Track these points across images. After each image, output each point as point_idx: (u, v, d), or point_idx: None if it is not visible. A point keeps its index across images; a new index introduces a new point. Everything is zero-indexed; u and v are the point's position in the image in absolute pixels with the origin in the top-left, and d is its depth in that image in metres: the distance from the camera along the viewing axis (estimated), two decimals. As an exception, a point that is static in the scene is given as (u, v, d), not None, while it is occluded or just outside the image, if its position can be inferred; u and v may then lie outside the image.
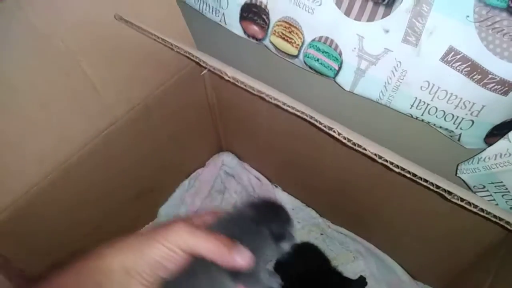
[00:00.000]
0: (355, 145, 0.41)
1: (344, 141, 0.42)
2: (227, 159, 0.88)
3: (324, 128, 0.43)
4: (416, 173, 0.38)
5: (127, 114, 0.64)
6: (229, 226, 0.40)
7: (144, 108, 0.65)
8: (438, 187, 0.38)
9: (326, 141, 0.54)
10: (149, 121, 0.67)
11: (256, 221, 0.41)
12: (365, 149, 0.41)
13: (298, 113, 0.46)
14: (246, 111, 0.72)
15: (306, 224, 0.82)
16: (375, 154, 0.40)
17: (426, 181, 0.38)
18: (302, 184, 0.78)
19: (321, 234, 0.81)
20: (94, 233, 0.69)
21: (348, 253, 0.79)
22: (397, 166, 0.39)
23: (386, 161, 0.39)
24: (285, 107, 0.46)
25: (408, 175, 0.39)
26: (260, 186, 0.86)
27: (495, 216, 0.36)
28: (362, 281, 0.75)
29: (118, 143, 0.64)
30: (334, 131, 0.43)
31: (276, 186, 0.85)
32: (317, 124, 0.43)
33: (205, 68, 0.49)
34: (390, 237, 0.71)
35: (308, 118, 0.44)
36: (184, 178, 0.84)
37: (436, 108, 0.50)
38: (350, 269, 0.77)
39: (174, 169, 0.80)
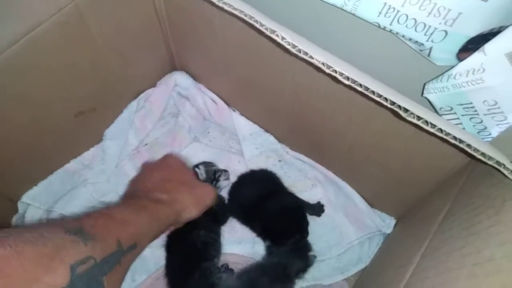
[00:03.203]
0: (300, 51, 0.34)
1: (288, 47, 0.35)
2: (180, 79, 0.79)
3: (265, 31, 0.36)
4: (368, 86, 0.32)
5: (53, 17, 0.54)
6: None
7: (74, 10, 0.55)
8: (393, 103, 0.33)
9: (283, 57, 0.47)
10: (82, 27, 0.58)
11: None
12: (312, 57, 0.34)
13: (242, 15, 0.38)
14: (198, 21, 0.63)
15: (264, 150, 0.77)
16: (323, 64, 0.33)
17: (379, 95, 0.32)
18: (260, 107, 0.72)
19: (279, 160, 0.77)
20: (25, 153, 0.62)
21: (306, 180, 0.75)
22: (347, 78, 0.33)
23: (335, 71, 0.33)
24: (230, 9, 0.39)
25: (359, 88, 0.33)
26: (217, 110, 0.79)
27: (454, 138, 0.31)
28: (319, 206, 0.73)
29: (45, 51, 0.55)
30: (277, 35, 0.35)
31: (234, 110, 0.78)
32: (258, 26, 0.36)
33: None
34: (349, 164, 0.67)
35: (248, 19, 0.36)
36: (132, 99, 0.76)
37: (407, 16, 0.44)
38: (308, 196, 0.74)
39: (120, 87, 0.72)
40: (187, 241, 0.62)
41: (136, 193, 0.56)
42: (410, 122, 0.33)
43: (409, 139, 0.47)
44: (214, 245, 0.65)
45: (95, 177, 0.74)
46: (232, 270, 0.65)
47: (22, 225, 0.35)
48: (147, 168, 0.66)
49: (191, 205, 0.58)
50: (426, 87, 0.49)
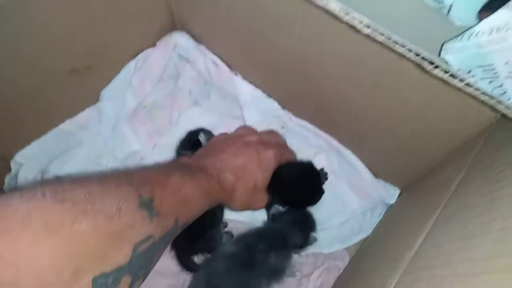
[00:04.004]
0: (316, -4, 0.31)
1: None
2: (181, 40, 0.76)
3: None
4: (389, 36, 0.29)
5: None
6: None
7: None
8: (417, 54, 0.30)
9: (294, 8, 0.44)
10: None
11: None
12: (328, 3, 0.31)
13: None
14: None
15: (267, 116, 0.74)
16: (341, 10, 0.30)
17: (403, 45, 0.30)
18: (265, 70, 0.69)
19: (282, 127, 0.74)
20: (18, 110, 0.60)
21: (309, 147, 0.73)
22: (368, 26, 0.30)
23: (354, 18, 0.30)
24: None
25: (380, 38, 0.30)
26: (218, 73, 0.76)
27: (484, 94, 0.29)
28: (323, 174, 0.71)
29: (37, 3, 0.51)
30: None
31: (236, 74, 0.75)
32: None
33: None
34: (355, 131, 0.65)
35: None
36: (130, 59, 0.73)
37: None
38: (310, 165, 0.72)
39: (117, 45, 0.68)
40: None
41: (205, 165, 0.52)
42: (433, 78, 0.30)
43: (424, 102, 0.45)
44: (220, 210, 0.64)
45: (91, 138, 0.71)
46: (231, 233, 0.64)
47: (102, 179, 0.33)
48: (221, 141, 0.63)
49: (249, 200, 0.56)
50: (444, 47, 0.46)
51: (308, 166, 0.65)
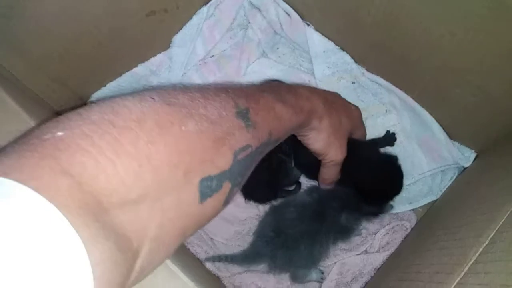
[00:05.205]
0: None
1: None
2: (253, -13, 0.74)
3: None
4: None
5: None
6: None
7: None
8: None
9: None
10: None
11: None
12: None
13: None
14: None
15: (337, 70, 0.72)
16: None
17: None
18: (341, 18, 0.66)
19: (353, 82, 0.72)
20: (97, 50, 0.61)
21: (380, 105, 0.70)
22: None
23: None
24: None
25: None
26: (290, 23, 0.73)
27: None
28: (391, 136, 0.68)
29: None
30: None
31: (308, 24, 0.73)
32: None
33: None
34: (436, 87, 0.61)
35: None
36: (202, 4, 0.72)
37: None
38: (380, 123, 0.70)
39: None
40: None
41: (296, 87, 0.51)
42: None
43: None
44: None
45: (161, 85, 0.72)
46: (300, 183, 0.64)
47: (202, 88, 0.35)
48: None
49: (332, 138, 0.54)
50: None
51: (394, 166, 0.62)
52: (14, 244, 0.19)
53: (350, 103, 0.62)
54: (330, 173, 0.58)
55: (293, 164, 0.65)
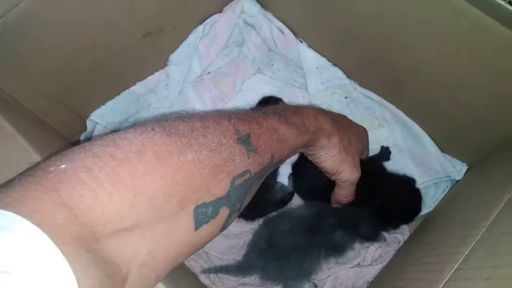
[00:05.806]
0: None
1: None
2: (247, 6, 0.76)
3: None
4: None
5: None
6: None
7: None
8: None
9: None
10: None
11: None
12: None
13: None
14: None
15: (330, 86, 0.73)
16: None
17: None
18: (332, 36, 0.68)
19: (346, 97, 0.73)
20: (96, 70, 0.63)
21: (373, 119, 0.72)
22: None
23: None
24: None
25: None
26: (283, 40, 0.75)
27: None
28: (386, 150, 0.70)
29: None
30: None
31: (301, 41, 0.74)
32: None
33: None
34: (425, 103, 0.62)
35: None
36: (198, 24, 0.74)
37: None
38: (373, 137, 0.70)
39: (187, 9, 0.70)
40: None
41: (302, 108, 0.51)
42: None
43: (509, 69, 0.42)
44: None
45: (159, 102, 0.74)
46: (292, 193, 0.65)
47: (203, 116, 0.36)
48: None
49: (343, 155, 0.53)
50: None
51: (414, 188, 0.64)
52: (7, 276, 0.20)
53: (357, 123, 0.63)
54: (345, 194, 0.57)
55: (286, 184, 0.66)
